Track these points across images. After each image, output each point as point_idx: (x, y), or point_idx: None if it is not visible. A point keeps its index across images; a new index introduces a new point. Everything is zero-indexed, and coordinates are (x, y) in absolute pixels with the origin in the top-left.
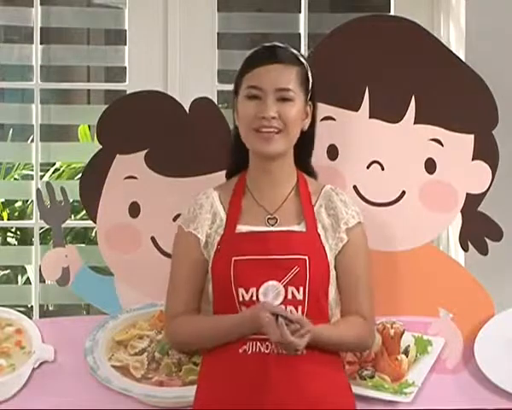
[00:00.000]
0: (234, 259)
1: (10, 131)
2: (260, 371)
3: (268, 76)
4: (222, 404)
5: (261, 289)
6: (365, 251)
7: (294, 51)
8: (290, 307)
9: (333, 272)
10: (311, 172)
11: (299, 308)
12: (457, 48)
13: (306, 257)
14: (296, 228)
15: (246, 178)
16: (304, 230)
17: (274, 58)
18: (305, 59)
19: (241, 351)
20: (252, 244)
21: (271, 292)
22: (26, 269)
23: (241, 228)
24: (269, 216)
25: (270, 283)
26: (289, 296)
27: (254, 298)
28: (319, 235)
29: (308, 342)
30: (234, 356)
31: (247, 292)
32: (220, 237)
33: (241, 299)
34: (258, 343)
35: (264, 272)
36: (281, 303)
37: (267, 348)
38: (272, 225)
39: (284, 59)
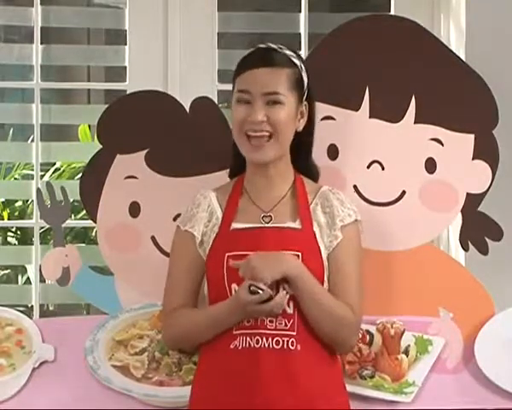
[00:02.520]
0: (227, 255)
1: (10, 131)
2: (252, 366)
3: (256, 80)
4: (215, 402)
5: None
6: (357, 249)
7: (288, 52)
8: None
9: (327, 271)
10: (313, 173)
11: (291, 304)
12: (457, 48)
13: (299, 253)
14: (291, 225)
15: (243, 180)
16: (299, 227)
17: (263, 62)
18: (300, 59)
19: (232, 347)
20: (245, 240)
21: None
22: (26, 269)
23: (236, 226)
24: (264, 214)
25: None
26: None
27: None
28: (314, 233)
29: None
30: (225, 352)
31: None
32: (215, 234)
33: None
34: (248, 338)
35: None
36: None
37: (257, 343)
38: (267, 223)
39: (274, 62)
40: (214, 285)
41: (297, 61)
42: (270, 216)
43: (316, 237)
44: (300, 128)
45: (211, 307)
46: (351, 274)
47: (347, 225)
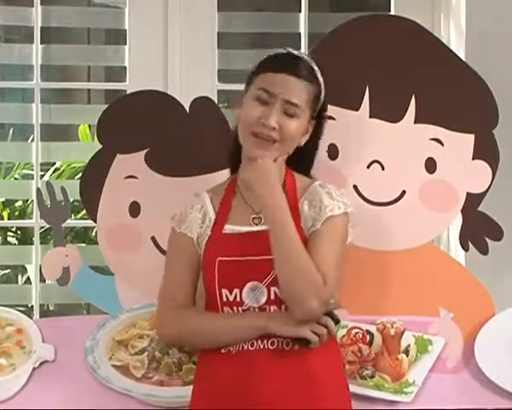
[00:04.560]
0: (218, 259)
1: (10, 131)
2: (247, 368)
3: (282, 85)
4: (213, 404)
5: (244, 290)
6: (340, 239)
7: (315, 67)
8: (273, 307)
9: None
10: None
11: (283, 308)
12: (457, 48)
13: None
14: None
15: (236, 180)
16: None
17: (294, 70)
18: (322, 76)
19: (223, 351)
20: (235, 245)
21: (254, 293)
22: (26, 269)
23: (228, 228)
24: (254, 215)
25: (253, 283)
26: (272, 296)
27: (238, 299)
28: (302, 229)
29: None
30: (219, 356)
31: (230, 293)
32: (208, 237)
33: (224, 299)
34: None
35: (247, 273)
36: (264, 303)
37: (252, 346)
38: (257, 225)
39: (303, 74)
40: (207, 288)
41: (320, 79)
42: (259, 217)
43: (304, 235)
44: (302, 144)
45: (230, 317)
46: (327, 252)
47: (335, 216)
